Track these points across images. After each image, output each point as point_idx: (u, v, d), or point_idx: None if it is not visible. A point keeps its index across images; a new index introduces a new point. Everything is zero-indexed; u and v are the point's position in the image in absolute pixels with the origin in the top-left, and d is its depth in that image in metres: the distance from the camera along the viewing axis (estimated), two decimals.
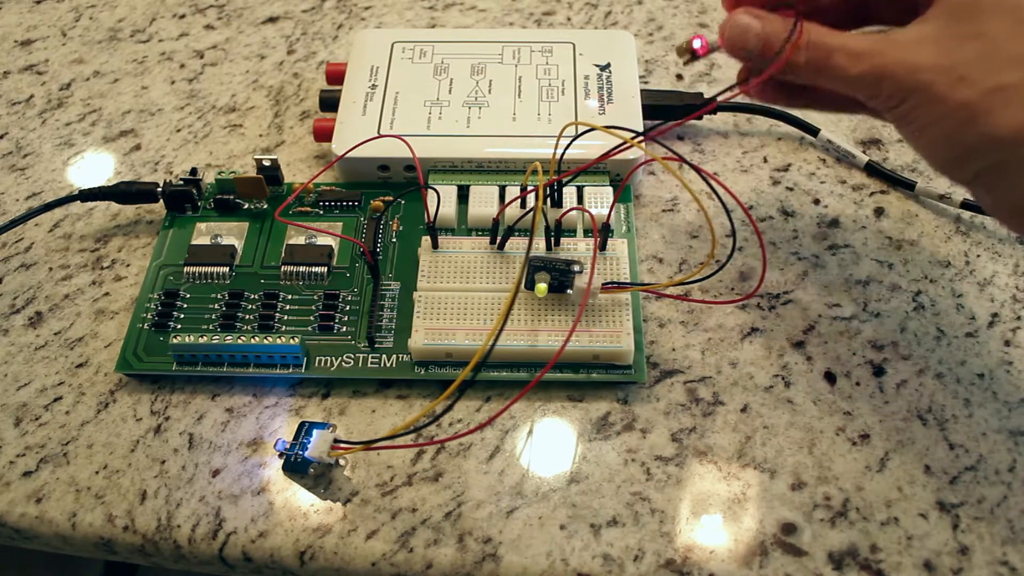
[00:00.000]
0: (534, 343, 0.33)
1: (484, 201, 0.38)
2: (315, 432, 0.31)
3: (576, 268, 0.33)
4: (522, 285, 0.32)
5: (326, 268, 0.36)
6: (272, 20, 0.51)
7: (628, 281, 0.34)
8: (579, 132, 0.34)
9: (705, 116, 0.42)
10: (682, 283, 0.36)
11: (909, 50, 0.25)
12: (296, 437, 0.31)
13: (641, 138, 0.33)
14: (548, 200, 0.36)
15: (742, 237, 0.38)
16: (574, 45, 0.43)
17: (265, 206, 0.39)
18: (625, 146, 0.32)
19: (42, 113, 0.46)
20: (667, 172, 0.41)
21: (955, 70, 0.24)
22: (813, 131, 0.42)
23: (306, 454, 0.30)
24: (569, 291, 0.33)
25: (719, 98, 0.32)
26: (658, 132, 0.32)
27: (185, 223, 0.39)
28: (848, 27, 0.29)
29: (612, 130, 0.32)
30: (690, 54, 0.33)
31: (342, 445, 0.30)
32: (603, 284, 0.33)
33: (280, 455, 0.31)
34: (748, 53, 0.29)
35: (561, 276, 0.33)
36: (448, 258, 0.35)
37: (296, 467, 0.31)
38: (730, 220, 0.34)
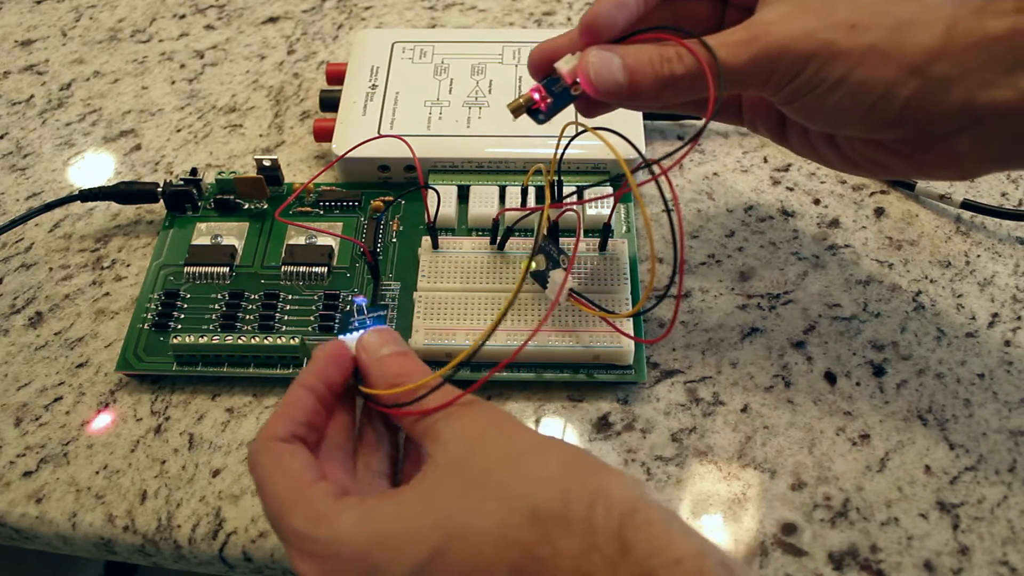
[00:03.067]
0: (535, 343, 0.33)
1: (484, 201, 0.38)
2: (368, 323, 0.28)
3: (563, 263, 0.32)
4: (526, 275, 0.32)
5: (326, 268, 0.36)
6: (272, 20, 0.51)
7: (614, 288, 0.34)
8: (577, 131, 0.33)
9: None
10: (634, 315, 0.34)
11: (789, 23, 0.26)
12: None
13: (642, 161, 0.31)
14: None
15: (742, 237, 0.38)
16: None
17: (265, 206, 0.39)
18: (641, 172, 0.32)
19: (42, 113, 0.46)
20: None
21: (843, 23, 0.25)
22: None
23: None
24: (544, 288, 0.33)
25: (671, 157, 0.28)
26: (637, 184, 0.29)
27: (185, 223, 0.39)
28: None
29: (587, 181, 0.31)
30: (526, 110, 0.29)
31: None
32: (570, 291, 0.32)
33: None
34: (617, 87, 0.27)
35: (551, 264, 0.32)
36: (448, 258, 0.35)
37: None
38: (675, 255, 0.29)
